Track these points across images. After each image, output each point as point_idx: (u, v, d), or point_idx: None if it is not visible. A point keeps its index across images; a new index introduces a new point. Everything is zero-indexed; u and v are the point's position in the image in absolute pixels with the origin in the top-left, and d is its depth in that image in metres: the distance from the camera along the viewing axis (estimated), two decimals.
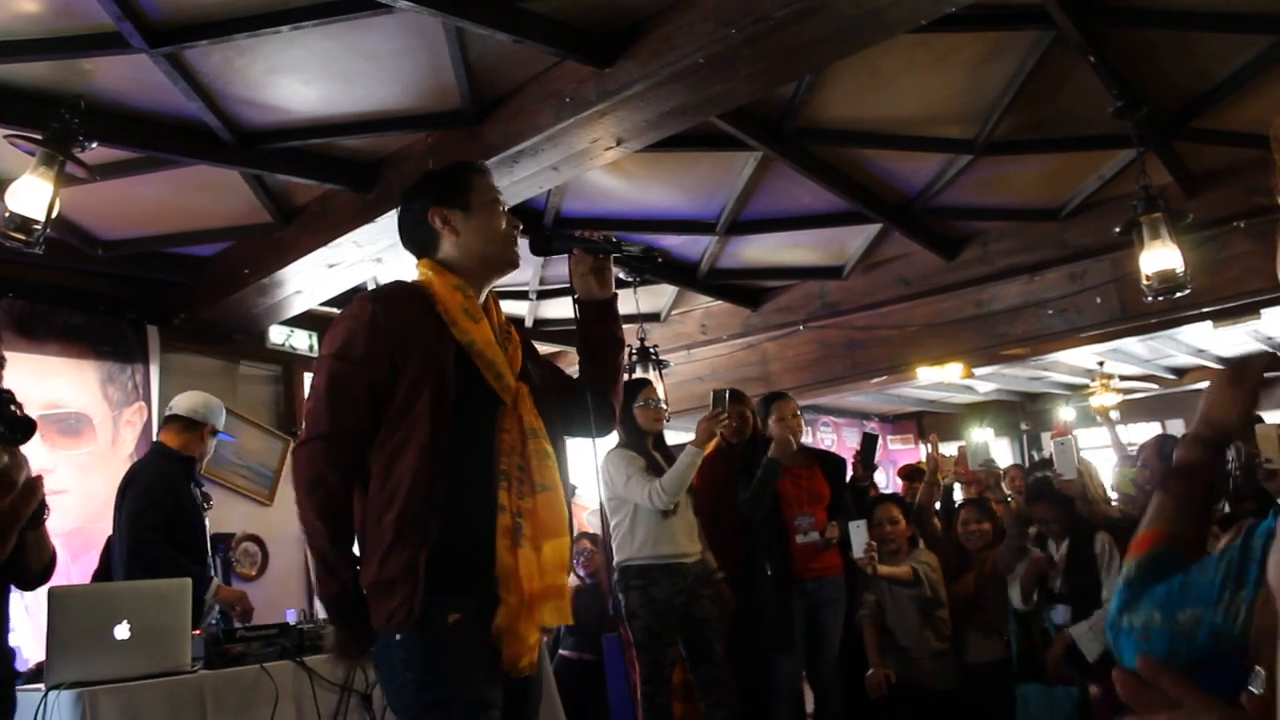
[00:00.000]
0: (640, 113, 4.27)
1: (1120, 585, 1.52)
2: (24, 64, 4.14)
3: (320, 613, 6.69)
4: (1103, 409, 10.54)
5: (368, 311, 2.42)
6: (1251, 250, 5.98)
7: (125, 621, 3.31)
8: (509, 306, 7.98)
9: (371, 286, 7.07)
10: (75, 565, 5.79)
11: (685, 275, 7.38)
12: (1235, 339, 10.11)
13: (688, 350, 8.38)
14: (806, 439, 5.68)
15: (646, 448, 5.16)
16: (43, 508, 2.80)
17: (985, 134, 5.32)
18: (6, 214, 4.35)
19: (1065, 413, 11.99)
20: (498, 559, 2.32)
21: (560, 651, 6.18)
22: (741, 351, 8.36)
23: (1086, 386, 11.62)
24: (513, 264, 2.70)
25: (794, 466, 5.39)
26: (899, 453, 12.92)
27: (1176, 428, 11.89)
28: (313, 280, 5.89)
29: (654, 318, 8.22)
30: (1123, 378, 11.52)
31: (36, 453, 5.87)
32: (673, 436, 5.93)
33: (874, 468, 6.06)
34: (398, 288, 2.56)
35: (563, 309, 8.09)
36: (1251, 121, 5.19)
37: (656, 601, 4.92)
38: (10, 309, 5.92)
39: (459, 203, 2.62)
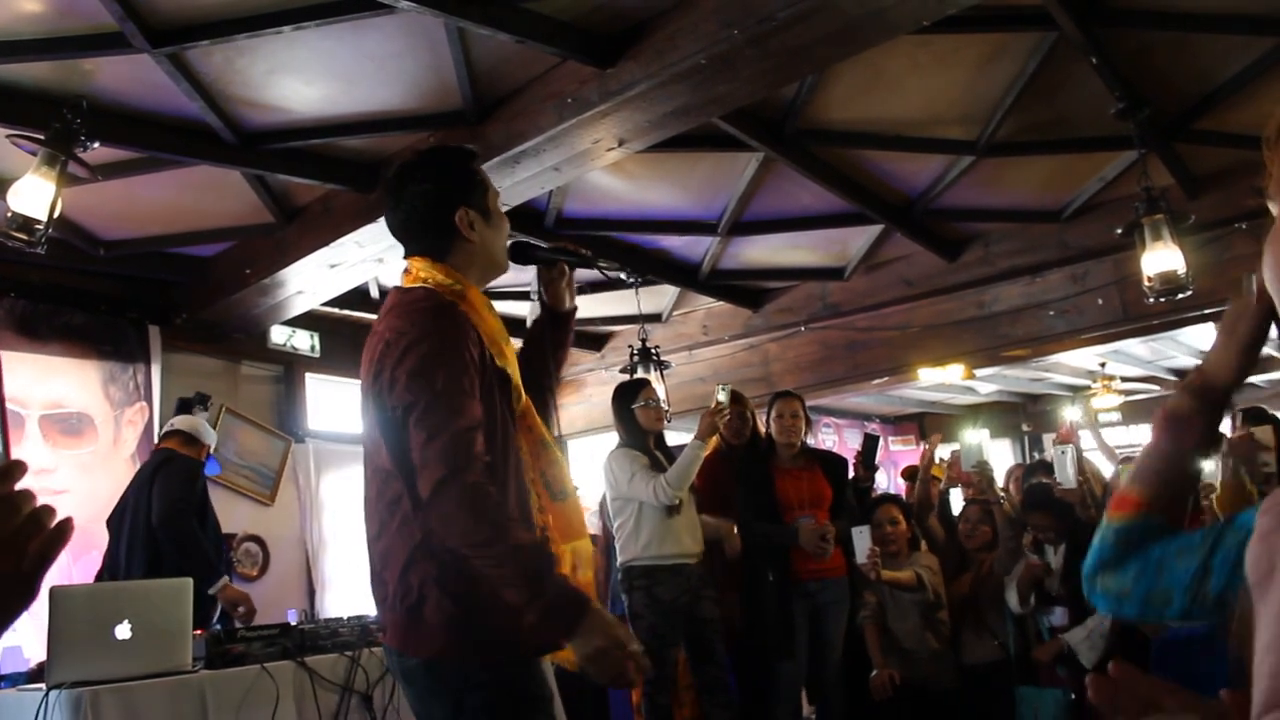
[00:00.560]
0: (642, 113, 4.28)
1: (1096, 544, 1.47)
2: (27, 64, 4.15)
3: (322, 611, 6.70)
4: (1091, 412, 10.52)
5: (455, 321, 2.29)
6: (1253, 252, 5.83)
7: (126, 621, 3.31)
8: (510, 307, 7.98)
9: (374, 288, 7.07)
10: (77, 565, 5.79)
11: (687, 276, 7.37)
12: None
13: (689, 351, 8.37)
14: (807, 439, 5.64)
15: (648, 447, 5.17)
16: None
17: (987, 135, 5.32)
18: (9, 214, 4.36)
19: (1070, 413, 11.97)
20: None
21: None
22: (743, 352, 8.35)
23: (1088, 388, 11.61)
24: (505, 271, 2.63)
25: (794, 468, 5.39)
26: (900, 454, 12.89)
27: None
28: (314, 280, 5.89)
29: (655, 318, 8.22)
30: (1124, 379, 11.50)
31: (39, 452, 5.87)
32: (674, 438, 5.92)
33: (875, 469, 6.05)
34: (440, 299, 2.34)
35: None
36: (1253, 123, 5.12)
37: (661, 602, 4.92)
38: (13, 309, 5.92)
39: (480, 202, 2.45)
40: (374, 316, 7.72)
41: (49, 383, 5.99)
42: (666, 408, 5.57)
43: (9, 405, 5.87)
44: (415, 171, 2.48)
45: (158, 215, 5.69)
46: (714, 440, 5.24)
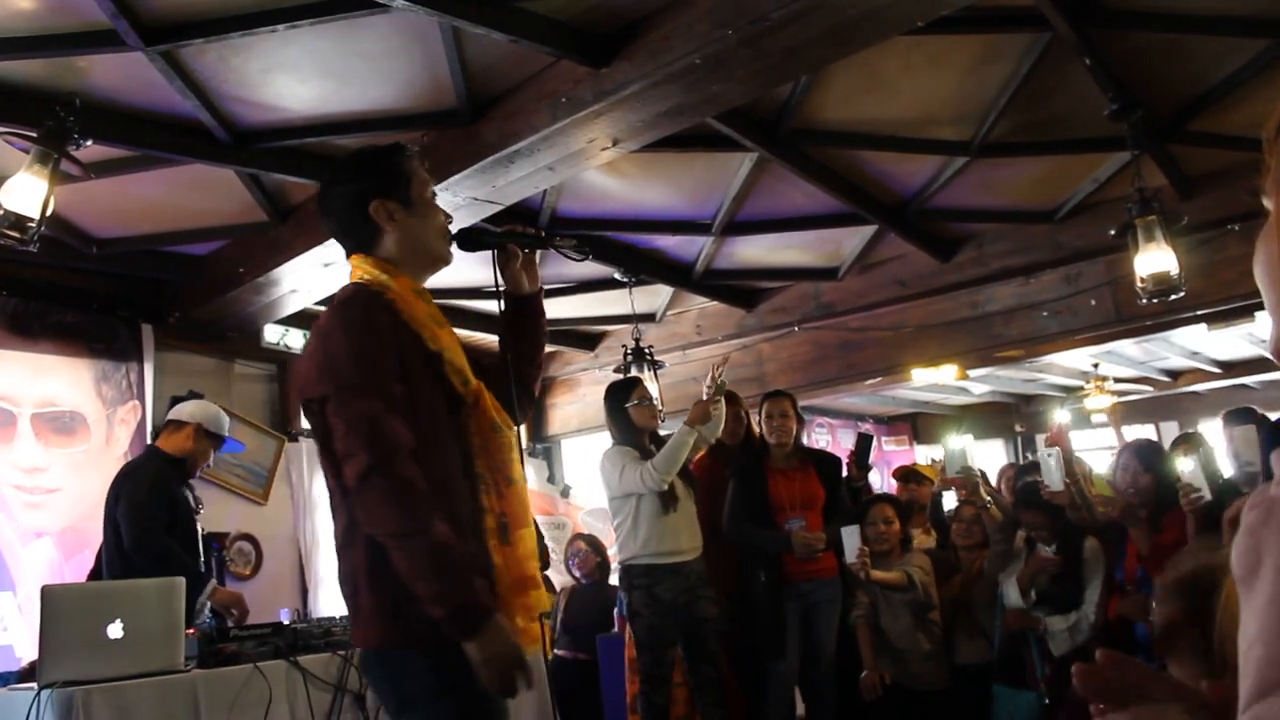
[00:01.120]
0: (636, 113, 4.28)
1: None
2: (19, 61, 4.13)
3: (314, 611, 6.69)
4: (1113, 410, 10.51)
5: (380, 321, 2.30)
6: (1246, 253, 5.84)
7: (119, 620, 3.30)
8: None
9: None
10: (69, 564, 5.79)
11: (680, 276, 7.38)
12: (1230, 342, 10.13)
13: (683, 351, 8.38)
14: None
15: (643, 445, 5.17)
16: None
17: (981, 136, 5.33)
18: (1, 212, 4.34)
19: (1060, 415, 12.00)
20: (494, 560, 2.30)
21: (554, 651, 6.18)
22: (737, 352, 8.36)
23: (1081, 389, 11.63)
24: (447, 261, 2.60)
25: (787, 468, 5.40)
26: (894, 454, 12.92)
27: (1171, 430, 11.92)
28: (308, 279, 5.89)
29: (649, 318, 8.22)
30: (1117, 380, 11.53)
31: (31, 451, 5.86)
32: None
33: (869, 468, 6.07)
34: (367, 292, 2.37)
35: (558, 308, 8.09)
36: (1246, 124, 5.19)
37: (660, 601, 4.93)
38: (4, 306, 5.91)
39: (400, 194, 2.46)
40: None
41: (41, 381, 5.98)
42: (660, 406, 5.57)
43: (1, 404, 5.85)
44: (337, 174, 2.58)
45: (151, 213, 5.68)
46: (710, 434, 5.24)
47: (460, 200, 4.97)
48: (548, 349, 8.94)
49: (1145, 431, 11.98)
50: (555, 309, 8.02)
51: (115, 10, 3.73)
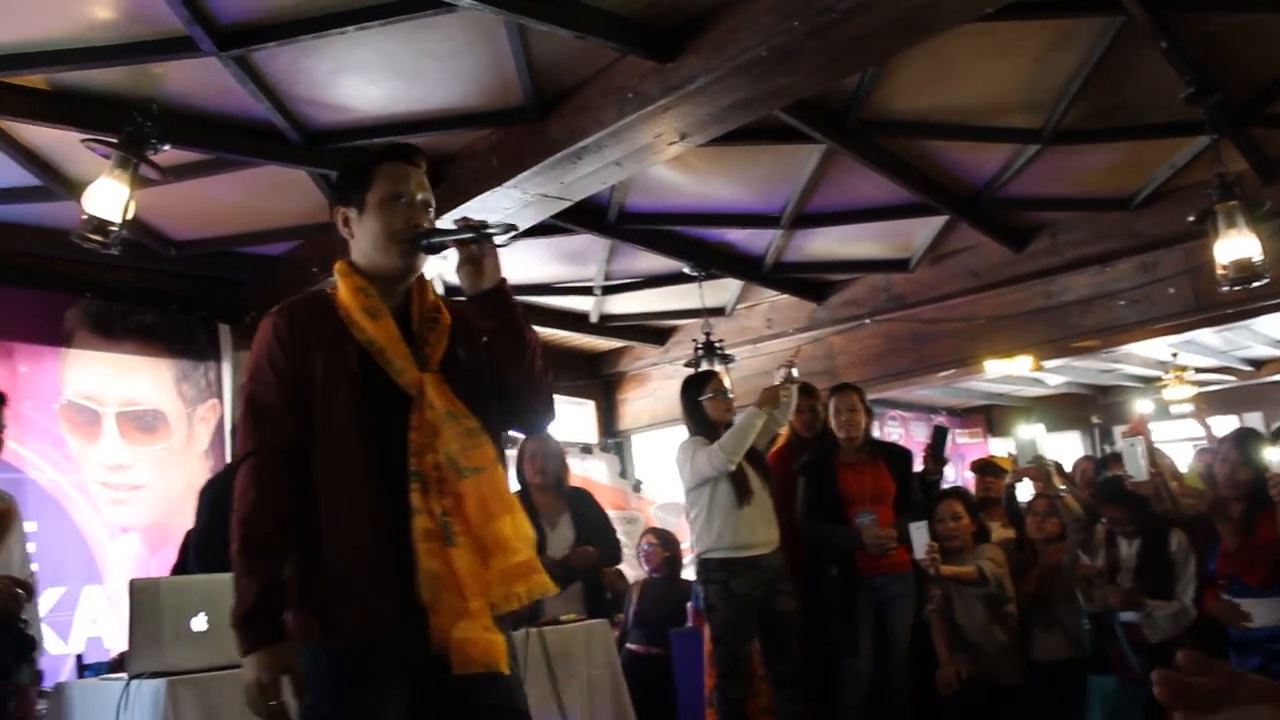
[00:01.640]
0: (703, 107, 4.27)
1: None
2: (99, 70, 4.24)
3: None
4: (1199, 403, 10.28)
5: (269, 327, 2.36)
6: None
7: (203, 613, 3.37)
8: (573, 303, 8.02)
9: (439, 285, 7.15)
10: (154, 558, 5.93)
11: (750, 269, 7.35)
12: None
13: (753, 344, 8.35)
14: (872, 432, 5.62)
15: (718, 436, 5.15)
16: None
17: (1053, 123, 5.25)
18: (84, 216, 4.47)
19: (1142, 405, 11.76)
20: (419, 565, 2.19)
21: (627, 645, 6.20)
22: (807, 345, 8.31)
23: (1160, 379, 11.41)
24: (396, 265, 2.42)
25: (857, 461, 5.36)
26: (967, 446, 12.77)
27: (1254, 420, 11.64)
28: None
29: (719, 312, 8.20)
30: (1197, 370, 11.28)
31: (116, 448, 6.02)
32: None
33: (945, 461, 5.99)
34: (302, 298, 2.46)
35: (628, 303, 8.11)
36: None
37: (736, 596, 4.92)
38: (88, 309, 6.08)
39: (355, 200, 2.43)
40: None
41: (124, 380, 6.13)
42: (734, 397, 5.56)
43: (86, 403, 6.02)
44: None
45: (226, 215, 5.79)
46: (785, 431, 5.22)
47: (529, 197, 5.00)
48: (619, 343, 9.04)
49: (1228, 423, 11.72)
50: (625, 304, 8.05)
51: (190, 17, 3.81)
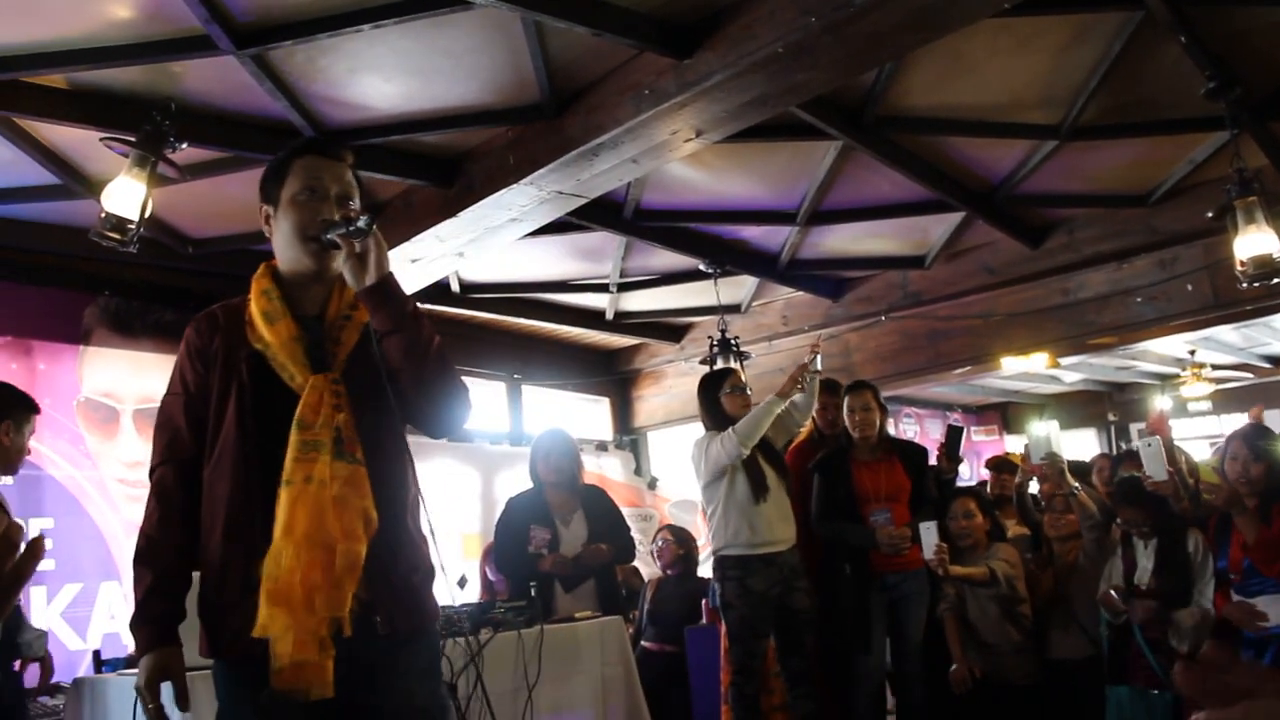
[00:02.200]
0: (720, 104, 4.26)
1: None
2: (118, 69, 4.25)
3: None
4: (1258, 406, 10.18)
5: (184, 340, 2.39)
6: None
7: None
8: (589, 300, 8.03)
9: (454, 282, 7.16)
10: None
11: (766, 266, 7.35)
12: None
13: (769, 341, 8.35)
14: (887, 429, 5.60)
15: None
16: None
17: (1070, 119, 5.23)
18: (102, 214, 4.48)
19: (1161, 403, 11.69)
20: (264, 576, 2.13)
21: (642, 643, 6.20)
22: (823, 342, 8.29)
23: (1177, 376, 11.37)
24: (304, 263, 2.34)
25: (872, 459, 5.34)
26: (983, 444, 12.75)
27: (1273, 419, 11.56)
28: (396, 275, 5.95)
29: (735, 309, 8.20)
30: (1215, 367, 11.24)
31: (133, 445, 6.05)
32: None
33: (959, 460, 5.96)
34: (219, 306, 2.43)
35: (644, 301, 8.11)
36: None
37: (753, 593, 4.91)
38: (106, 306, 6.11)
39: (273, 197, 2.39)
40: (455, 310, 7.81)
41: (142, 378, 6.15)
42: (751, 393, 5.55)
43: (104, 400, 6.04)
44: None
45: (243, 213, 5.79)
46: (806, 428, 5.21)
47: (545, 194, 5.00)
48: (634, 340, 9.04)
49: (1244, 421, 11.65)
50: (640, 301, 8.06)
51: (208, 15, 3.82)
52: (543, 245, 6.61)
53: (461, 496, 7.89)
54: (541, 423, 6.99)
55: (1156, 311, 6.93)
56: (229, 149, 4.90)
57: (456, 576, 5.04)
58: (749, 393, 5.31)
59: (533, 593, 4.42)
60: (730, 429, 4.97)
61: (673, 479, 9.51)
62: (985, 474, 7.10)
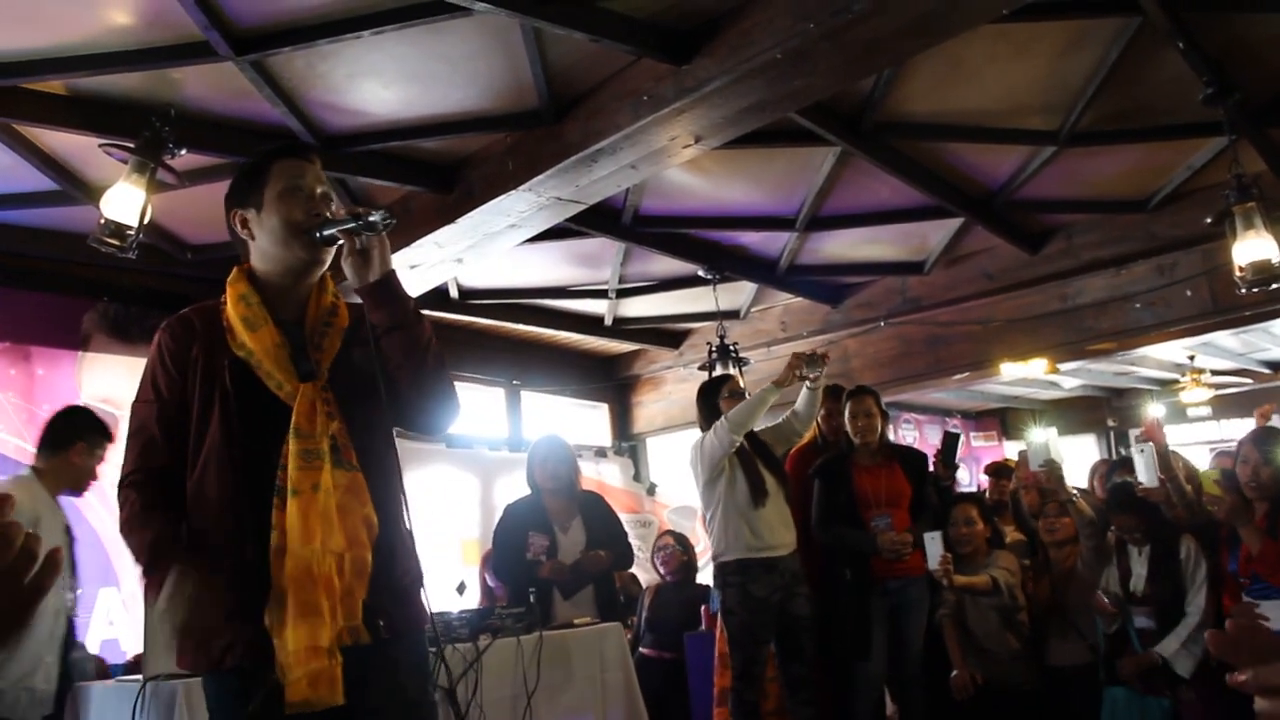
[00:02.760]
0: (718, 109, 4.26)
1: None
2: (117, 75, 4.25)
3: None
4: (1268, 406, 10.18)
5: (155, 345, 2.36)
6: None
7: None
8: (588, 306, 8.03)
9: (453, 288, 7.16)
10: None
11: (765, 272, 7.35)
12: None
13: (768, 347, 8.34)
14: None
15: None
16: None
17: (1069, 125, 5.23)
18: (101, 220, 4.48)
19: (1153, 410, 11.72)
20: (273, 585, 2.13)
21: (640, 649, 6.19)
22: (822, 349, 8.30)
23: (1176, 382, 11.36)
24: (307, 262, 2.36)
25: (873, 465, 5.34)
26: (983, 450, 12.74)
27: (1275, 424, 11.57)
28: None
29: (734, 315, 8.21)
30: (1214, 372, 11.24)
31: None
32: None
33: (956, 467, 5.97)
34: (192, 310, 2.40)
35: (643, 307, 8.11)
36: None
37: (754, 599, 4.91)
38: (105, 312, 6.12)
39: (253, 200, 2.37)
40: (454, 316, 7.79)
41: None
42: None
43: (103, 406, 6.03)
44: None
45: None
46: (810, 432, 5.21)
47: (544, 200, 5.00)
48: (634, 346, 9.04)
49: (1244, 426, 11.66)
50: (639, 307, 8.06)
51: (208, 22, 3.82)
52: (542, 251, 6.62)
53: (460, 502, 7.89)
54: (540, 429, 6.99)
55: (1155, 317, 6.93)
56: (228, 155, 4.90)
57: (456, 583, 5.04)
58: (749, 397, 5.31)
59: (531, 599, 4.42)
60: (723, 417, 4.97)
61: (672, 485, 9.51)
62: (984, 480, 7.10)
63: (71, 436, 4.14)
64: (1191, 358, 10.61)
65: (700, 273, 7.10)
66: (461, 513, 7.86)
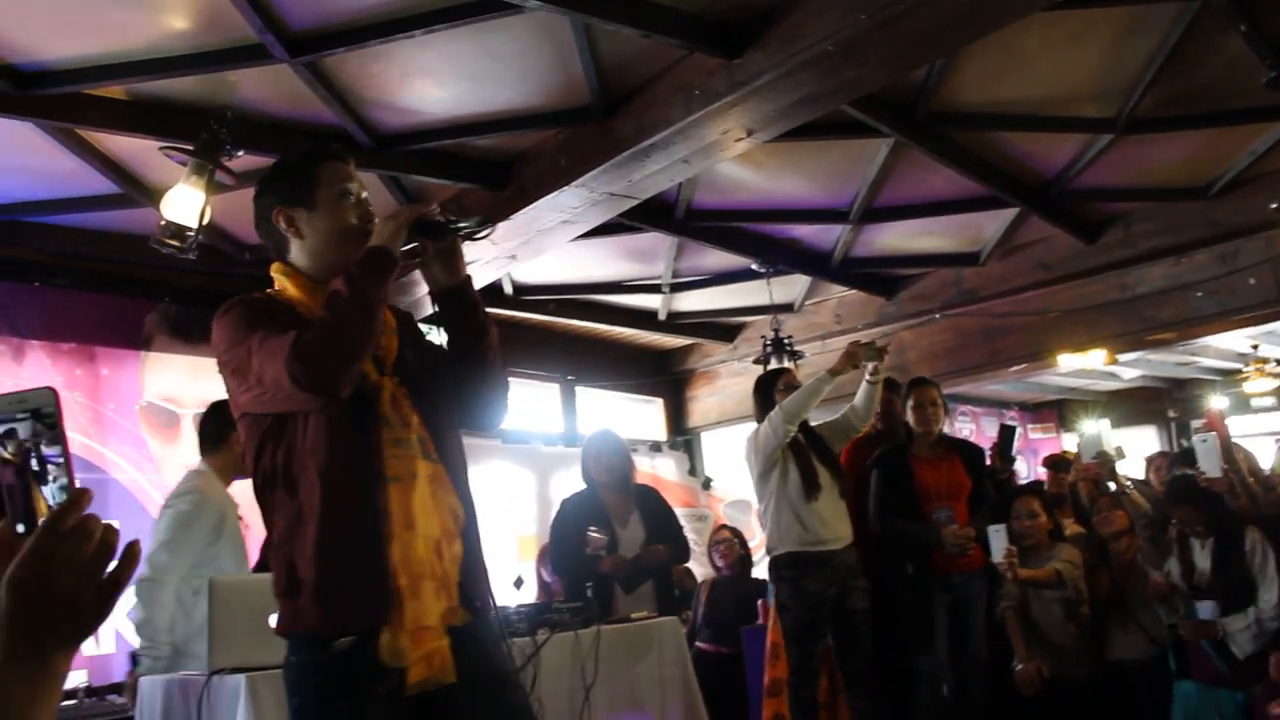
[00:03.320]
0: (770, 103, 4.25)
1: None
2: (176, 79, 4.32)
3: None
4: None
5: (242, 306, 2.30)
6: None
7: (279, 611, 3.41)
8: (641, 301, 8.04)
9: (507, 285, 7.20)
10: None
11: (818, 265, 7.32)
12: None
13: (822, 340, 8.30)
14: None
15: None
16: None
17: (1127, 112, 5.16)
18: (162, 222, 4.56)
19: (1216, 401, 11.52)
20: (396, 570, 2.17)
21: (697, 644, 6.19)
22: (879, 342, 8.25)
23: (1239, 371, 11.17)
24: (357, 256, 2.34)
25: (932, 456, 5.30)
26: (1040, 442, 12.60)
27: None
28: None
29: (787, 308, 8.18)
30: (1279, 361, 11.03)
31: (193, 449, 6.13)
32: None
33: (1012, 460, 5.91)
34: (251, 297, 2.36)
35: (696, 301, 8.11)
36: None
37: (808, 594, 4.88)
38: (166, 312, 6.23)
39: (303, 199, 2.37)
40: (508, 313, 7.81)
41: (201, 382, 6.23)
42: None
43: (165, 404, 6.15)
44: (259, 184, 2.50)
45: None
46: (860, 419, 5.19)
47: (597, 196, 5.02)
48: (687, 340, 9.03)
49: None
50: (692, 301, 8.05)
51: (263, 25, 3.87)
52: (595, 247, 6.63)
53: (516, 498, 7.93)
54: (595, 424, 7.01)
55: (1217, 306, 6.82)
56: (284, 156, 4.96)
57: (513, 577, 5.08)
58: None
59: (588, 593, 4.43)
60: (777, 406, 4.95)
61: (727, 479, 9.50)
62: (1042, 473, 7.03)
63: (226, 428, 4.25)
64: (1255, 347, 10.43)
65: (754, 266, 7.08)
66: (518, 508, 7.90)
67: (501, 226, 5.33)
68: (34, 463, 1.06)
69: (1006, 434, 5.88)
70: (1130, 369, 11.57)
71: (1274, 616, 4.41)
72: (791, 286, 7.99)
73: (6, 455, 1.06)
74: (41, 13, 3.91)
